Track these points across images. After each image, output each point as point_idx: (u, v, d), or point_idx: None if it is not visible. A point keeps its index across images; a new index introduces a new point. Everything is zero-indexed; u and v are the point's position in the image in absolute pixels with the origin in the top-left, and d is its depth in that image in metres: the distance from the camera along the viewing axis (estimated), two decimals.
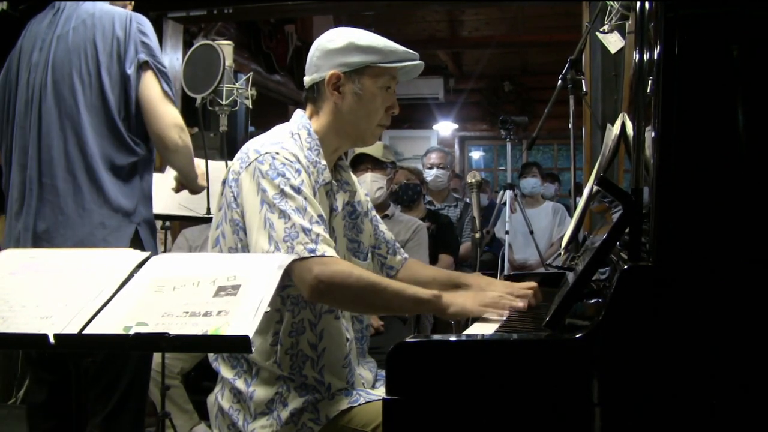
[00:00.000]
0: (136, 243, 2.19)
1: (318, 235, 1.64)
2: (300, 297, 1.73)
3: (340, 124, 1.84)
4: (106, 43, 2.18)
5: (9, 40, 2.36)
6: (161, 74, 2.23)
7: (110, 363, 2.17)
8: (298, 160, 1.72)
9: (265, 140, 1.77)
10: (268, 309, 1.73)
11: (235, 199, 1.73)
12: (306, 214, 1.66)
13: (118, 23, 2.20)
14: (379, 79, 1.81)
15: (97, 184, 2.15)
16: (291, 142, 1.77)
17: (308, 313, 1.76)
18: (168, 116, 2.21)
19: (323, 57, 1.81)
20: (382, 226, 2.07)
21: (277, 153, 1.71)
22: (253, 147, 1.76)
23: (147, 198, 2.30)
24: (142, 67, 2.20)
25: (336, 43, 1.80)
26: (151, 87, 2.21)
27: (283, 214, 1.64)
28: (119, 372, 2.20)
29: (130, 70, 2.18)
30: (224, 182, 1.79)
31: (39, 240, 2.14)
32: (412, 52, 1.84)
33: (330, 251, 1.64)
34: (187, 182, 2.44)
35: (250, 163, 1.72)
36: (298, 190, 1.67)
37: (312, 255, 1.61)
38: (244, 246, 1.72)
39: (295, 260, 1.57)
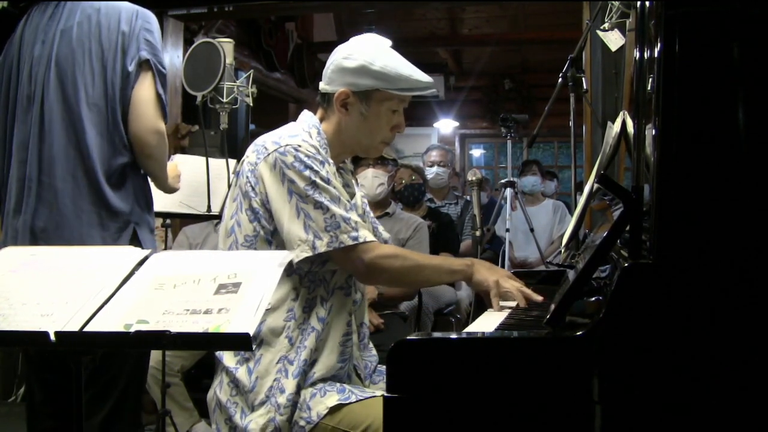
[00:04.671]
0: (135, 243, 2.17)
1: (356, 222, 1.78)
2: (317, 274, 1.83)
3: (344, 137, 1.92)
4: (111, 39, 2.15)
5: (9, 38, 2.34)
6: (159, 75, 2.20)
7: (109, 363, 2.16)
8: (318, 152, 1.80)
9: (282, 134, 1.84)
10: (269, 306, 1.76)
11: (253, 188, 1.79)
12: (341, 203, 1.77)
13: (124, 18, 2.17)
14: (386, 102, 1.87)
15: (95, 185, 2.13)
16: (306, 135, 1.84)
17: (322, 290, 1.84)
18: (152, 120, 2.17)
19: (337, 72, 1.87)
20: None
21: (299, 146, 1.78)
22: (270, 139, 1.82)
23: (144, 197, 2.27)
24: (143, 65, 2.17)
25: (350, 62, 1.84)
26: (146, 87, 2.18)
27: (319, 205, 1.75)
28: (117, 372, 2.19)
29: (131, 67, 2.15)
30: (237, 174, 1.86)
31: (36, 239, 2.12)
32: (425, 80, 1.87)
33: (370, 236, 1.79)
34: (158, 185, 2.37)
35: (269, 154, 1.78)
36: (327, 181, 1.77)
37: (356, 242, 1.76)
38: (267, 233, 1.80)
39: (341, 248, 1.75)
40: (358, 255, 1.77)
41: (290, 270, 1.79)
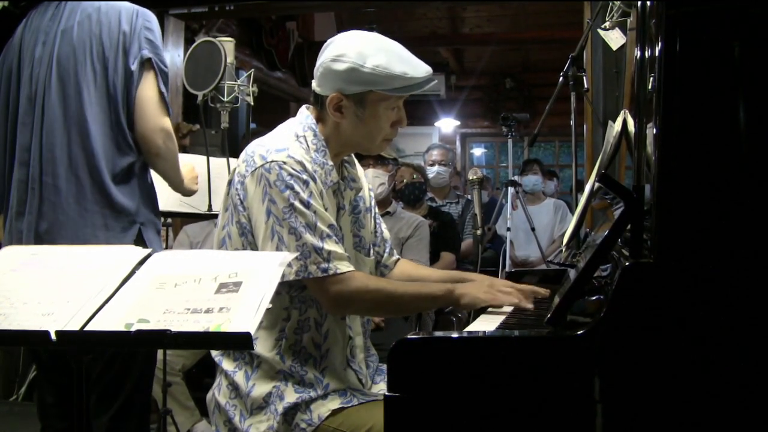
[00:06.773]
0: (140, 243, 2.15)
1: (329, 252, 1.69)
2: (309, 296, 1.77)
3: (342, 139, 1.83)
4: (112, 38, 2.15)
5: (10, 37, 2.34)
6: (161, 74, 2.19)
7: (113, 362, 2.16)
8: (305, 169, 1.71)
9: (271, 145, 1.75)
10: (270, 305, 1.76)
11: (242, 202, 1.74)
12: (316, 231, 1.69)
13: (124, 18, 2.17)
14: (383, 102, 1.77)
15: (99, 184, 2.12)
16: (297, 146, 1.76)
17: (314, 312, 1.79)
18: (156, 119, 2.17)
19: (327, 75, 1.76)
20: (383, 225, 2.07)
21: (284, 162, 1.70)
22: (258, 152, 1.74)
23: (149, 196, 2.26)
24: (145, 64, 2.17)
25: (339, 65, 1.72)
26: (148, 87, 2.17)
27: (293, 230, 1.68)
28: (125, 372, 2.18)
29: (134, 66, 2.15)
30: (230, 183, 1.79)
31: (41, 240, 2.11)
32: (420, 75, 1.74)
33: (342, 266, 1.71)
34: (173, 187, 2.36)
35: (255, 169, 1.71)
36: (307, 204, 1.69)
37: (325, 274, 1.68)
38: (254, 248, 1.74)
39: (310, 279, 1.69)
40: (327, 287, 1.70)
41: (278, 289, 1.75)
